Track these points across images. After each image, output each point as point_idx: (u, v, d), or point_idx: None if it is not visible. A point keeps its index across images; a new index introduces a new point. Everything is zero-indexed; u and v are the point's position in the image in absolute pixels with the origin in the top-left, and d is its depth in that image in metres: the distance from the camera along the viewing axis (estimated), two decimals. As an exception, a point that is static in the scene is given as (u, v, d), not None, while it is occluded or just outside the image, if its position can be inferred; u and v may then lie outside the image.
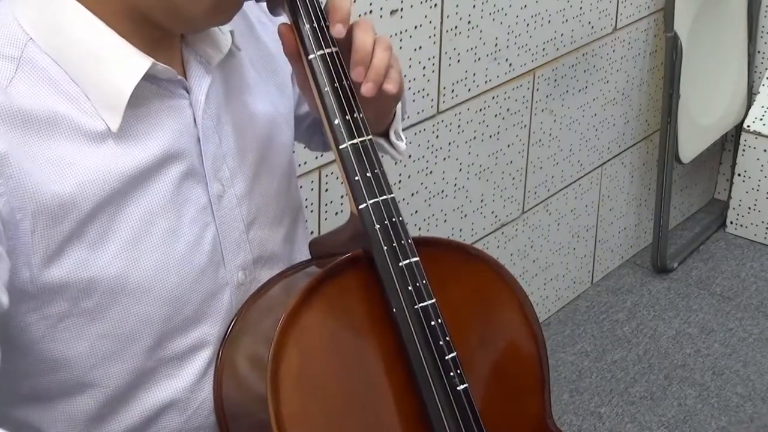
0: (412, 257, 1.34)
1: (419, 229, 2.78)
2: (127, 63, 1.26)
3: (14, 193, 1.19)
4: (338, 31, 1.33)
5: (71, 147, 1.23)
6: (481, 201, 2.97)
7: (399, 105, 1.54)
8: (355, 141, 1.34)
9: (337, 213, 2.49)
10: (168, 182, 1.30)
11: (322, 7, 1.35)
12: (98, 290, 1.26)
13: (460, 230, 2.94)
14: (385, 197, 1.34)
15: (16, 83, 1.21)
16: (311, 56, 1.33)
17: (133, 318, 1.29)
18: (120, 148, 1.26)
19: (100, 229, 1.25)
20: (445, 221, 2.86)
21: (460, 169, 2.86)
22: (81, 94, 1.24)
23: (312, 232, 2.44)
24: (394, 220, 1.34)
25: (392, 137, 1.52)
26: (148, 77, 1.27)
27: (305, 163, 2.36)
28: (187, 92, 1.33)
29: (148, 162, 1.28)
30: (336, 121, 1.33)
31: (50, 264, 1.23)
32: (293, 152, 1.54)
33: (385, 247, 1.33)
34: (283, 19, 1.37)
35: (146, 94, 1.28)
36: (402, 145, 1.53)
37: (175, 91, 1.32)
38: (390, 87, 1.35)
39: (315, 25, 1.33)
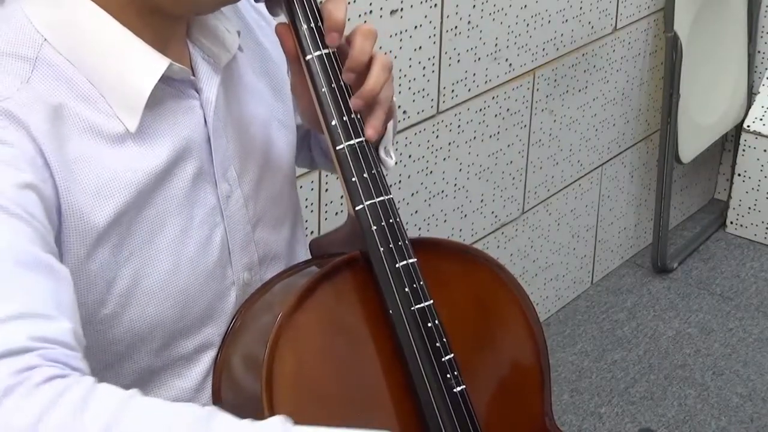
0: (409, 258, 1.34)
1: (419, 229, 2.78)
2: (145, 64, 1.26)
3: (55, 189, 1.19)
4: (332, 39, 1.33)
5: (95, 147, 1.23)
6: (481, 201, 2.97)
7: (390, 123, 1.53)
8: (352, 142, 1.34)
9: (337, 213, 2.49)
10: (181, 183, 1.31)
11: (320, 8, 1.35)
12: (116, 292, 1.26)
13: (460, 230, 2.94)
14: (382, 198, 1.34)
15: (33, 84, 1.21)
16: (308, 57, 1.33)
17: (145, 319, 1.29)
18: (139, 148, 1.26)
19: (123, 230, 1.25)
20: (445, 221, 2.87)
21: (460, 169, 2.86)
22: (98, 95, 1.24)
23: (312, 232, 2.44)
24: (391, 221, 1.34)
25: (381, 153, 1.52)
26: (163, 78, 1.27)
27: (305, 162, 2.36)
28: (197, 92, 1.33)
29: (165, 162, 1.28)
30: (333, 122, 1.33)
31: (79, 268, 1.22)
32: (294, 156, 1.54)
33: (381, 249, 1.33)
34: (282, 20, 1.37)
35: (161, 95, 1.28)
36: (390, 162, 1.52)
37: (185, 91, 1.32)
38: (369, 133, 1.35)
39: (312, 25, 1.33)
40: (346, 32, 1.35)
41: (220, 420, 1.04)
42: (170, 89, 1.30)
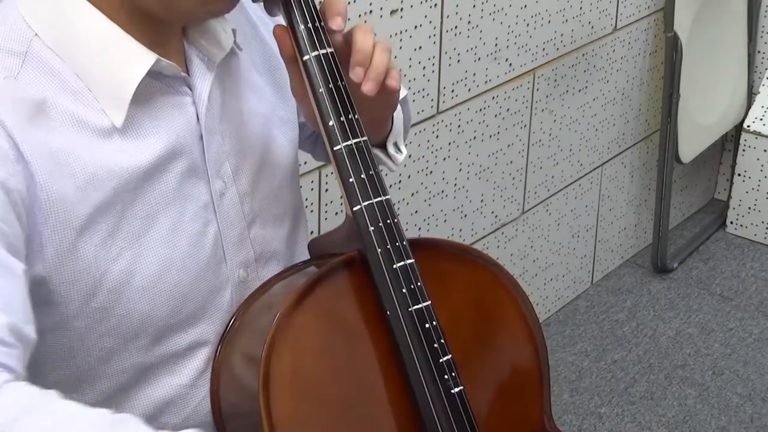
0: (407, 259, 1.34)
1: (419, 229, 2.78)
2: (132, 58, 1.26)
3: (30, 182, 1.19)
4: (338, 23, 1.33)
5: (80, 140, 1.23)
6: (481, 201, 2.98)
7: (400, 117, 1.53)
8: (349, 142, 1.33)
9: (337, 213, 2.49)
10: (171, 179, 1.31)
11: (318, 8, 1.35)
12: (106, 287, 1.26)
13: (460, 230, 2.94)
14: (380, 199, 1.34)
15: (22, 78, 1.22)
16: (306, 57, 1.33)
17: (137, 314, 1.30)
18: (125, 144, 1.27)
19: (110, 225, 1.26)
20: (445, 221, 2.87)
21: (460, 169, 2.86)
22: (86, 89, 1.25)
23: (312, 232, 2.44)
24: (389, 221, 1.34)
25: (390, 149, 1.52)
26: (152, 74, 1.28)
27: (305, 163, 2.36)
28: (190, 89, 1.34)
29: (153, 158, 1.28)
30: (330, 123, 1.33)
31: (63, 259, 1.23)
32: (296, 154, 1.54)
33: (379, 249, 1.33)
34: (281, 20, 1.37)
35: (150, 91, 1.29)
36: (400, 157, 1.53)
37: (178, 88, 1.32)
38: (393, 83, 1.34)
39: (310, 25, 1.33)
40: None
41: (129, 427, 1.04)
42: (161, 85, 1.30)
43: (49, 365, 1.29)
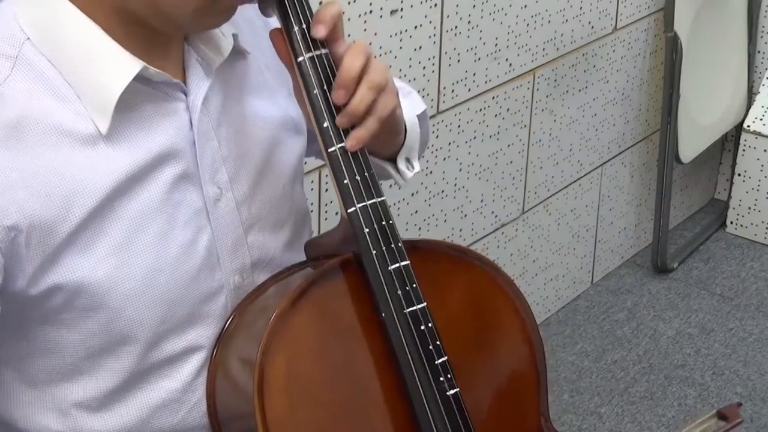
0: (402, 261, 1.34)
1: (419, 229, 2.78)
2: (118, 66, 1.25)
3: (6, 210, 1.19)
4: (318, 31, 1.31)
5: (62, 154, 1.23)
6: (481, 201, 2.98)
7: (416, 131, 1.51)
8: (344, 144, 1.33)
9: (336, 213, 2.49)
10: (160, 185, 1.30)
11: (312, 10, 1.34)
12: (89, 291, 1.26)
13: (460, 230, 2.94)
14: (374, 200, 1.33)
15: (11, 82, 1.22)
16: (300, 58, 1.32)
17: (125, 319, 1.29)
18: (111, 150, 1.26)
19: (91, 234, 1.25)
20: (445, 221, 2.87)
21: (460, 169, 2.86)
22: (73, 94, 1.25)
23: (312, 233, 2.44)
24: (383, 223, 1.34)
25: (400, 164, 1.51)
26: (142, 80, 1.27)
27: (305, 163, 2.35)
28: (185, 95, 1.33)
29: (139, 165, 1.27)
30: (325, 124, 1.32)
31: (45, 271, 1.23)
32: (302, 158, 1.53)
33: (374, 251, 1.33)
34: (277, 22, 1.36)
35: (139, 97, 1.28)
36: (409, 173, 1.50)
37: (171, 93, 1.31)
38: (351, 144, 1.32)
39: (304, 26, 1.32)
40: (348, 40, 1.35)
41: None
42: (152, 91, 1.29)
43: (37, 353, 1.30)
